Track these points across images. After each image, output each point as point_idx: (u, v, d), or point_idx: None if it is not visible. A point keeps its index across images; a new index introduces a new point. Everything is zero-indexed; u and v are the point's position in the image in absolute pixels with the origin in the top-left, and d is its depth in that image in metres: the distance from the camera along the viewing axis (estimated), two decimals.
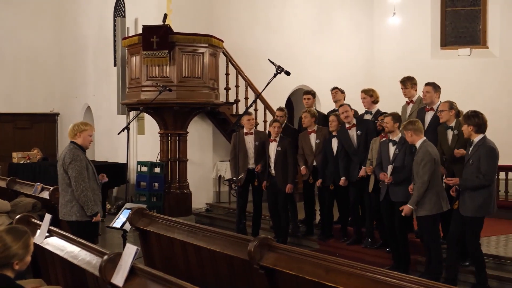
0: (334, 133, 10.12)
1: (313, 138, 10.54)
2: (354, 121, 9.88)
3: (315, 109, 11.38)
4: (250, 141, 10.98)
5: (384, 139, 9.01)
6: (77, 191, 7.50)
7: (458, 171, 8.18)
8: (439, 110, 8.68)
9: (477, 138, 7.63)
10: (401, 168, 8.40)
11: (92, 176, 7.71)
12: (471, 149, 7.68)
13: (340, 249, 9.94)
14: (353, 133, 9.85)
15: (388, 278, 3.99)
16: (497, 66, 16.12)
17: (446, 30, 16.94)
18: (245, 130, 10.90)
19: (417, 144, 8.09)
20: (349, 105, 10.01)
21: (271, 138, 10.48)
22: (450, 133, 8.60)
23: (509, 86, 15.97)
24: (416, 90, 9.77)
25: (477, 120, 7.60)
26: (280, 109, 11.39)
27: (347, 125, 9.89)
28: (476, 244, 7.76)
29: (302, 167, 10.57)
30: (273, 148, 10.41)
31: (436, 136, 8.80)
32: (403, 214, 8.16)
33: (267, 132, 11.97)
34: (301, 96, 11.89)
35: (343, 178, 9.89)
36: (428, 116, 9.21)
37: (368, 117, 10.12)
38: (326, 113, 11.26)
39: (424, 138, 8.16)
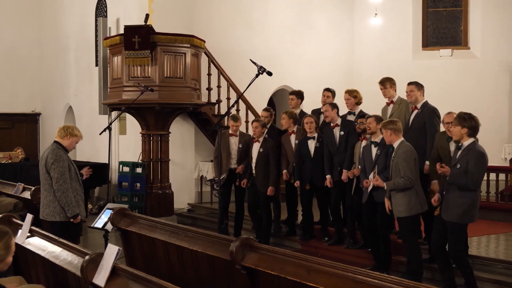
0: (309, 135, 10.14)
1: (293, 139, 10.53)
2: (338, 121, 9.88)
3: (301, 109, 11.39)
4: (234, 142, 10.94)
5: (364, 142, 9.05)
6: (58, 191, 7.49)
7: (442, 181, 7.89)
8: (447, 122, 8.18)
9: (467, 141, 7.33)
10: (383, 170, 8.38)
11: (74, 176, 7.69)
12: (459, 152, 7.37)
13: (321, 249, 9.94)
14: (336, 132, 9.85)
15: (369, 278, 4.00)
16: (478, 66, 16.25)
17: (427, 30, 17.05)
18: (230, 131, 10.91)
19: (395, 144, 8.08)
20: (332, 105, 10.02)
21: (254, 139, 10.48)
22: (452, 145, 8.00)
23: (490, 87, 16.09)
24: (395, 91, 9.68)
25: (472, 123, 7.36)
26: (265, 109, 11.39)
27: (331, 124, 9.90)
28: (459, 251, 7.50)
29: (284, 171, 10.51)
30: (255, 148, 10.41)
31: (419, 136, 8.75)
32: (374, 182, 8.29)
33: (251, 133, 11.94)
34: (283, 96, 11.90)
35: (328, 177, 9.86)
36: (412, 115, 9.16)
37: (351, 117, 10.09)
38: (310, 112, 11.19)
39: (402, 138, 8.13)
